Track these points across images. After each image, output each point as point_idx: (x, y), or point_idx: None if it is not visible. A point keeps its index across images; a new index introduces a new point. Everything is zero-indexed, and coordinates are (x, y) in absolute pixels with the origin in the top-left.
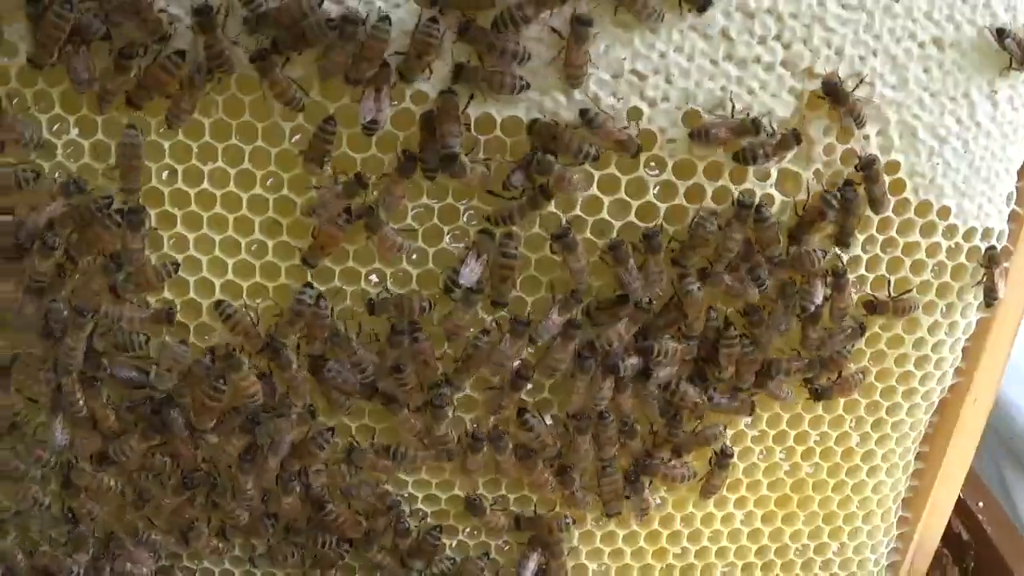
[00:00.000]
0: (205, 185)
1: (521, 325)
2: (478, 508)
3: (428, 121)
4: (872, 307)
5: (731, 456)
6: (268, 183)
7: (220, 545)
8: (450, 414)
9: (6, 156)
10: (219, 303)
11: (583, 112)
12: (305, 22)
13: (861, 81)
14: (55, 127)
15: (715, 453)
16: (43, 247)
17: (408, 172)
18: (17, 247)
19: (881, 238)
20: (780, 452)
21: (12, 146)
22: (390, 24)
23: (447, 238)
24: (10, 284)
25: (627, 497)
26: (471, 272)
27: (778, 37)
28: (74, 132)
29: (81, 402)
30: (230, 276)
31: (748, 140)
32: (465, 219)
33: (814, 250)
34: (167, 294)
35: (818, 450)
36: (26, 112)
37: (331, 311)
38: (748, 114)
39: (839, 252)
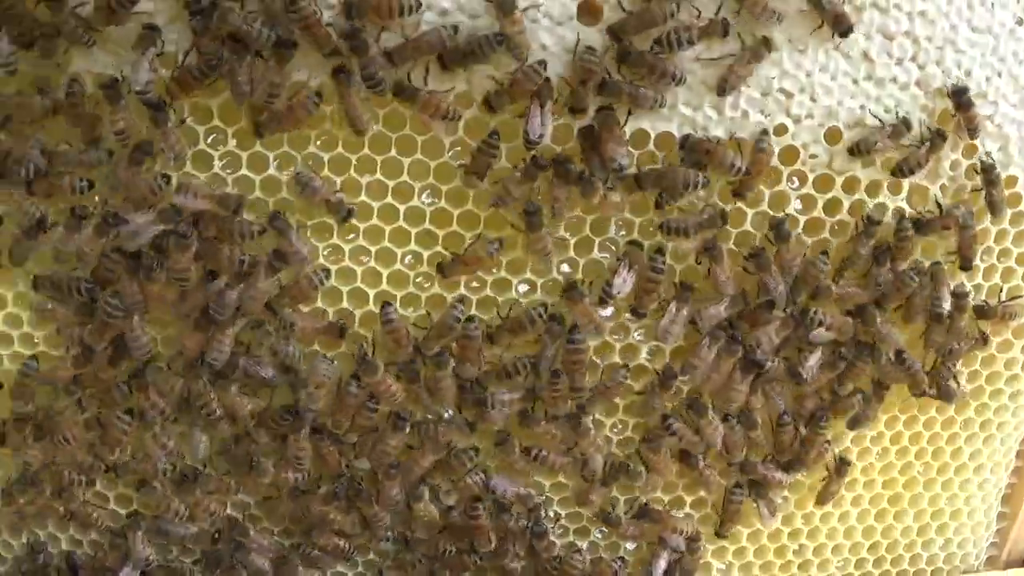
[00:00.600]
0: (363, 197)
1: None
2: (613, 520)
3: (588, 136)
4: (982, 312)
5: (850, 464)
6: (425, 195)
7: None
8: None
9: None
10: (386, 304)
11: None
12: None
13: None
14: (211, 138)
15: (835, 460)
16: (178, 240)
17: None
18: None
19: (997, 249)
20: (895, 452)
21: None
22: (545, 68)
23: (596, 249)
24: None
25: (755, 504)
26: (624, 283)
27: (914, 58)
28: (232, 144)
29: (215, 403)
30: (384, 286)
31: (903, 154)
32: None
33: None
34: (320, 303)
35: (930, 449)
36: (180, 123)
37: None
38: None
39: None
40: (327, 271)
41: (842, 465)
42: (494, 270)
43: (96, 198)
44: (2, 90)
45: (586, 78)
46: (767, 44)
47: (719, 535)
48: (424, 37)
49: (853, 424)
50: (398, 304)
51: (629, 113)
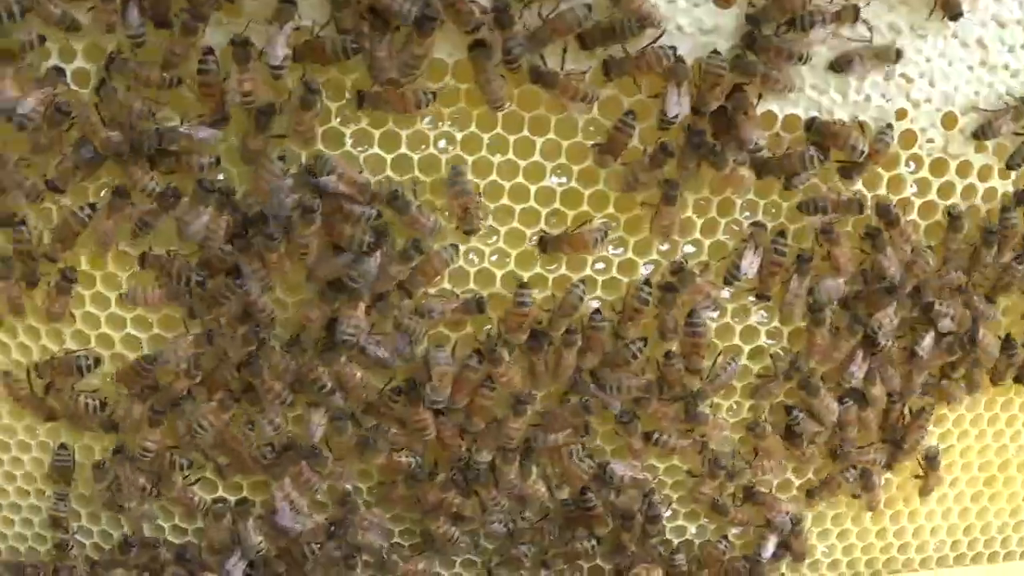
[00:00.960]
0: (493, 177)
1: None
2: (722, 508)
3: (720, 117)
4: None
5: (937, 458)
6: (557, 175)
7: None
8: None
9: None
10: (522, 286)
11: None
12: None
13: None
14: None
15: (925, 457)
16: (304, 212)
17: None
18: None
19: None
20: (991, 434)
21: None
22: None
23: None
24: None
25: (856, 497)
26: (750, 264)
27: None
28: (364, 122)
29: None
30: (512, 267)
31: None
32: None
33: None
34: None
35: None
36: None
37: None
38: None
39: None
40: (455, 247)
41: (931, 459)
42: (606, 252)
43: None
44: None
45: (715, 83)
46: (897, 54)
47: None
48: (562, 16)
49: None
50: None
51: (760, 96)
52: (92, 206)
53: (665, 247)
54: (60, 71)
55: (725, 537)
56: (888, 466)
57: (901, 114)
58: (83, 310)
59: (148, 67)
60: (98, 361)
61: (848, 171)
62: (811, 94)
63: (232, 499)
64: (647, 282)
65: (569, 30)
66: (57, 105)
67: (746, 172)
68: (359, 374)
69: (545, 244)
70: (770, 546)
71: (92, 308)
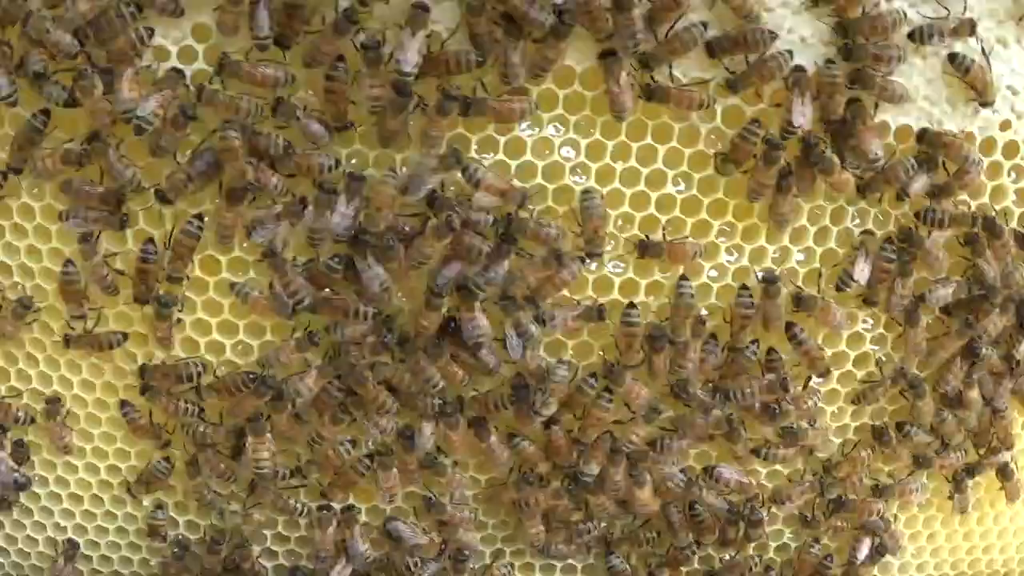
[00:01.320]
0: (616, 184)
1: None
2: (811, 523)
3: (837, 128)
4: None
5: (1009, 467)
6: (677, 183)
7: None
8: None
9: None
10: (631, 305)
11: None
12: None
13: None
14: None
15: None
16: (441, 227)
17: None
18: None
19: None
20: None
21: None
22: (792, 57)
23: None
24: None
25: (949, 497)
26: (862, 271)
27: None
28: (491, 128)
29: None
30: (630, 274)
31: None
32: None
33: None
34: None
35: None
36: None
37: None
38: None
39: None
40: (583, 258)
41: (1005, 468)
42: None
43: None
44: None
45: (834, 92)
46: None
47: None
48: (679, 37)
49: None
50: (642, 292)
51: (876, 106)
52: (200, 217)
53: (776, 253)
54: (180, 73)
55: (817, 541)
56: (972, 472)
57: (1005, 125)
58: (193, 317)
59: (262, 67)
60: (206, 369)
61: (939, 192)
62: (923, 104)
63: (338, 506)
64: (744, 286)
65: (687, 49)
66: (182, 108)
67: (849, 175)
68: (461, 373)
69: (644, 250)
70: (864, 548)
71: (203, 315)
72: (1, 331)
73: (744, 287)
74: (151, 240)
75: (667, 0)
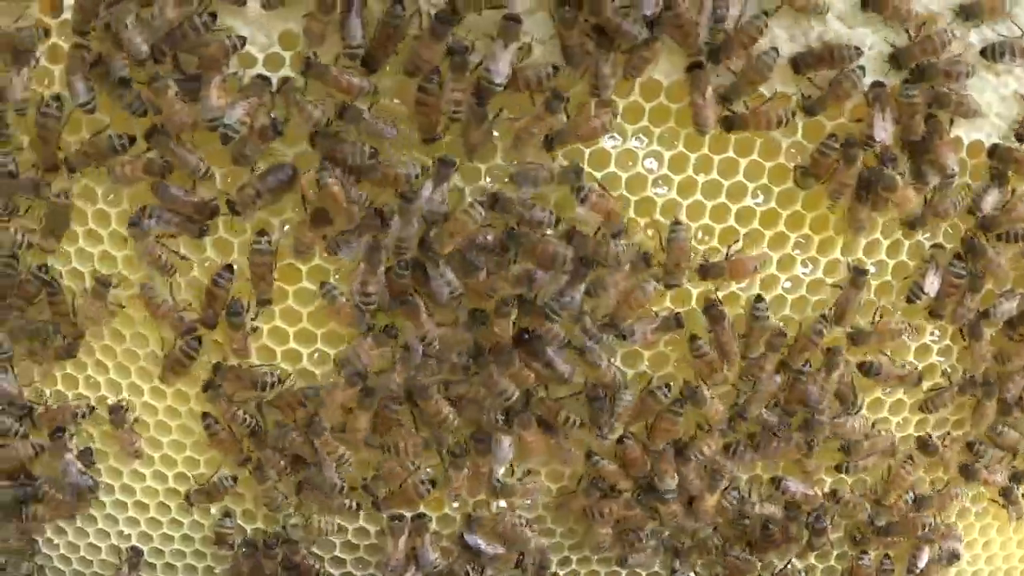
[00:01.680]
0: (698, 196)
1: None
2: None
3: (913, 143)
4: None
5: (1013, 493)
6: (757, 195)
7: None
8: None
9: None
10: (759, 299)
11: None
12: None
13: None
14: None
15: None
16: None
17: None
18: None
19: None
20: None
21: None
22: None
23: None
24: None
25: (1003, 507)
26: (931, 284)
27: None
28: None
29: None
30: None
31: None
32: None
33: None
34: None
35: None
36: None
37: None
38: None
39: None
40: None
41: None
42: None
43: None
44: None
45: (913, 112)
46: None
47: None
48: (753, 67)
49: None
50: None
51: (951, 123)
52: (262, 233)
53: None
54: (266, 80)
55: (865, 552)
56: (1020, 479)
57: None
58: (272, 324)
59: (348, 75)
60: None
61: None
62: (995, 120)
63: (409, 514)
64: (824, 316)
65: (764, 79)
66: (273, 122)
67: (913, 192)
68: (532, 377)
69: (705, 273)
70: (924, 556)
71: (280, 323)
72: (85, 315)
73: (823, 317)
74: (229, 267)
75: (743, 37)
